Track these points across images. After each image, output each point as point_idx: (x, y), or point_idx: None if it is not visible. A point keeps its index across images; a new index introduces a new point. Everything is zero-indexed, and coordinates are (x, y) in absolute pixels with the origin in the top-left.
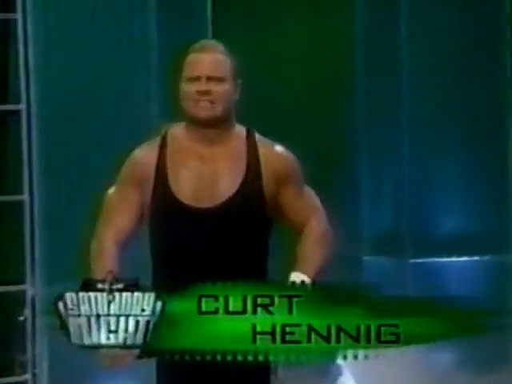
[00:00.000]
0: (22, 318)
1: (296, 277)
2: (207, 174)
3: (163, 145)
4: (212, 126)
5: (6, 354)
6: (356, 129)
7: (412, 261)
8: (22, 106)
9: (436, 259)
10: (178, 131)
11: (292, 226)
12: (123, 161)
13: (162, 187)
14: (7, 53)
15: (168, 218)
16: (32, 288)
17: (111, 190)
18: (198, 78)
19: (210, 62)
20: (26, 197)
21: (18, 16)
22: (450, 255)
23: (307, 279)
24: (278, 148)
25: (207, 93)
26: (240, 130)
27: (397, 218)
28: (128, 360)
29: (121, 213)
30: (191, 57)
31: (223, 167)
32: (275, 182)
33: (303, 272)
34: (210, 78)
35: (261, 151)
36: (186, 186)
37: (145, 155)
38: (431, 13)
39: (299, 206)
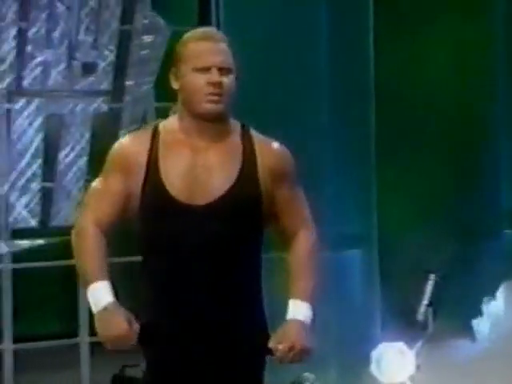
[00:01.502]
0: None
1: (297, 313)
2: (201, 170)
3: (155, 136)
4: (213, 121)
5: None
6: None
7: None
8: None
9: None
10: (170, 124)
11: (282, 231)
12: None
13: (154, 180)
14: None
15: (159, 212)
16: None
17: (95, 181)
18: (208, 69)
19: (218, 51)
20: None
21: (213, 27)
22: None
23: (306, 310)
24: (275, 144)
25: (219, 85)
26: (235, 124)
27: None
28: (130, 340)
29: (102, 201)
30: (195, 45)
31: (217, 163)
32: (271, 178)
33: (302, 299)
34: (220, 69)
35: (257, 147)
36: (179, 181)
37: (134, 145)
38: None
39: (292, 208)
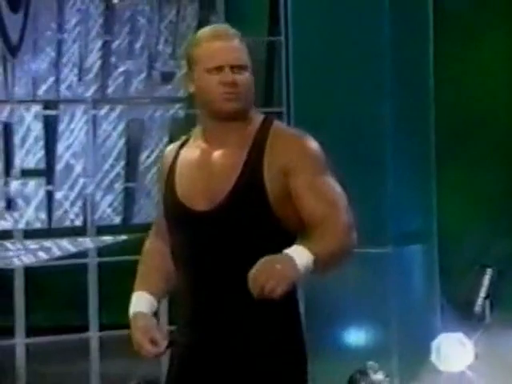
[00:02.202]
0: None
1: (292, 251)
2: (204, 173)
3: (184, 143)
4: (233, 119)
5: None
6: None
7: None
8: (283, 109)
9: None
10: (198, 129)
11: (308, 223)
12: None
13: (169, 187)
14: (273, 66)
15: (173, 219)
16: None
17: None
18: (220, 68)
19: (230, 49)
20: None
21: (282, 38)
22: None
23: (306, 257)
24: (291, 135)
25: (233, 84)
26: (256, 120)
27: None
28: (146, 354)
29: (158, 210)
30: (206, 46)
31: (223, 166)
32: (284, 172)
33: (306, 247)
34: (233, 68)
35: (269, 141)
36: (186, 187)
37: (167, 154)
38: None
39: (315, 195)
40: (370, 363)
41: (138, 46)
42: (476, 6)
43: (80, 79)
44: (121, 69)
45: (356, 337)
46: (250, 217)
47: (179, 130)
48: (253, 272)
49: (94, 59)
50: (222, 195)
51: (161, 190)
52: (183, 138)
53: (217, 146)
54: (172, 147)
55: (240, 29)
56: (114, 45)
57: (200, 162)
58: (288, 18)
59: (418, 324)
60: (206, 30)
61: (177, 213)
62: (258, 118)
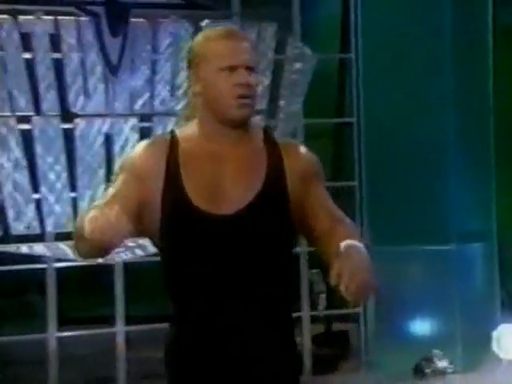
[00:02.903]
0: None
1: (352, 241)
2: (225, 178)
3: (173, 144)
4: (239, 126)
5: None
6: None
7: None
8: (354, 119)
9: None
10: (189, 130)
11: (319, 232)
12: None
13: (176, 190)
14: (344, 80)
15: (182, 223)
16: None
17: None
18: (233, 68)
19: (245, 49)
20: (356, 183)
21: (352, 55)
22: None
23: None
24: (301, 146)
25: (248, 85)
26: (257, 128)
27: None
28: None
29: (112, 204)
30: (218, 44)
31: (242, 170)
32: (302, 181)
33: (352, 238)
34: (247, 69)
35: (283, 150)
36: (202, 191)
37: (151, 152)
38: None
39: (327, 207)
40: (435, 351)
41: None
42: None
43: (172, 95)
44: None
45: (422, 327)
46: (275, 221)
47: None
48: (348, 269)
49: (184, 76)
50: (247, 200)
51: (137, 190)
52: (159, 137)
53: (229, 149)
54: (153, 147)
55: (315, 47)
56: None
57: (215, 165)
58: (358, 38)
59: (480, 315)
60: (215, 29)
61: (188, 215)
62: (256, 124)
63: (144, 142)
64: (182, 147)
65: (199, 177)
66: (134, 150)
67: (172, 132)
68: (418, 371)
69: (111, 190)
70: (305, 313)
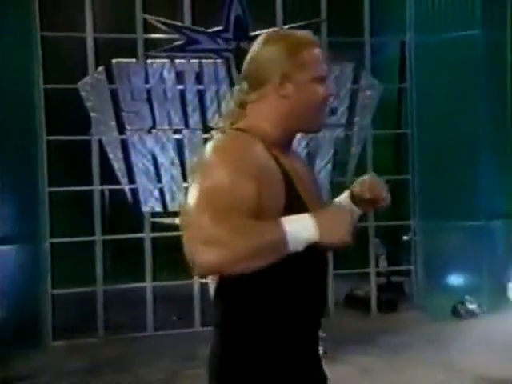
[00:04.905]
0: None
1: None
2: (312, 184)
3: (262, 148)
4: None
5: None
6: None
7: None
8: (408, 131)
9: None
10: (258, 135)
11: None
12: None
13: (294, 196)
14: (401, 103)
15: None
16: None
17: (219, 185)
18: (324, 79)
19: (326, 59)
20: (410, 177)
21: (408, 84)
22: None
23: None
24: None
25: (331, 97)
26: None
27: None
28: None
29: (233, 210)
30: (312, 52)
31: (316, 182)
32: None
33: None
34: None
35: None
36: (308, 198)
37: (261, 151)
38: None
39: None
40: (468, 297)
41: None
42: None
43: None
44: None
45: (458, 280)
46: None
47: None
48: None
49: None
50: (323, 202)
51: (256, 192)
52: (241, 135)
53: (297, 161)
54: (259, 146)
55: (380, 79)
56: None
57: (304, 178)
58: (412, 72)
59: (501, 272)
60: (305, 35)
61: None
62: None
63: (242, 141)
64: (270, 154)
65: (304, 191)
66: (241, 146)
67: (248, 134)
68: (455, 311)
69: (229, 192)
70: (371, 269)
